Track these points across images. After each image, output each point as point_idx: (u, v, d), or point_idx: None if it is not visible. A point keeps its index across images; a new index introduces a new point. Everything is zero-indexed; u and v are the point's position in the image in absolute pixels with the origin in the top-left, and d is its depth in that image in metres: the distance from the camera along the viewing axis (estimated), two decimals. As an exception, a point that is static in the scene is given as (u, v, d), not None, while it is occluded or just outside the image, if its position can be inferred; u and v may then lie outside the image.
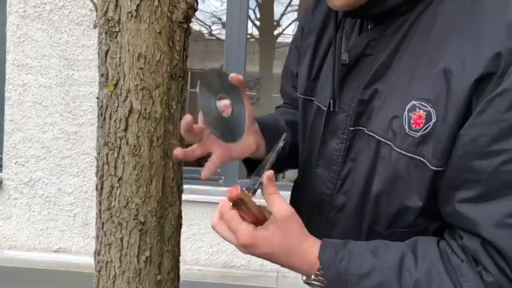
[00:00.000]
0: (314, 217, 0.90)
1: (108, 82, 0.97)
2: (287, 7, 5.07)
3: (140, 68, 0.94)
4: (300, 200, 0.98)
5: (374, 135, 0.76)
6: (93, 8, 1.04)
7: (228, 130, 0.78)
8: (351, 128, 0.82)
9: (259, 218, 0.75)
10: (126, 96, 0.95)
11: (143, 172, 0.96)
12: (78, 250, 3.30)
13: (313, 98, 0.95)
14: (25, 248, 3.53)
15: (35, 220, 3.52)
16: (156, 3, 0.93)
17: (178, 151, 0.85)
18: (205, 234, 3.39)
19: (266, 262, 2.68)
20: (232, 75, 0.79)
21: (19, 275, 3.35)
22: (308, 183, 0.93)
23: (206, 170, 0.76)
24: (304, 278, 0.76)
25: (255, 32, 5.48)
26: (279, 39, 5.27)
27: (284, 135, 0.82)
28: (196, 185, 3.33)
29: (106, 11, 0.96)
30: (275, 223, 0.73)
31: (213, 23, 5.36)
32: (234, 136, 0.80)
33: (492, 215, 0.63)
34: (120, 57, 0.94)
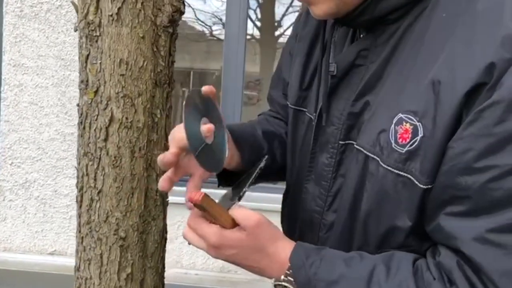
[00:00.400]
0: (305, 235, 0.85)
1: (88, 89, 0.91)
2: (288, 7, 5.02)
3: (122, 74, 0.89)
4: (291, 217, 0.93)
5: (362, 149, 0.72)
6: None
7: (211, 159, 0.73)
8: (341, 142, 0.77)
9: (228, 228, 0.71)
10: (107, 104, 0.90)
11: (124, 185, 0.91)
12: (74, 253, 3.25)
13: (305, 109, 0.90)
14: (20, 250, 3.48)
15: (30, 222, 3.47)
16: (139, 6, 0.88)
17: (163, 185, 0.78)
18: (202, 238, 3.34)
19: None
20: (204, 89, 0.73)
21: (13, 278, 3.30)
22: (299, 199, 0.87)
23: (190, 194, 0.70)
24: (273, 281, 0.71)
25: (256, 32, 5.43)
26: (280, 40, 5.22)
27: (265, 157, 0.79)
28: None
29: (87, 14, 0.91)
30: (246, 228, 0.70)
31: (214, 23, 5.32)
32: (218, 166, 0.74)
33: (473, 229, 0.59)
34: (100, 63, 0.89)
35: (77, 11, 0.97)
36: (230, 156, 0.84)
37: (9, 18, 3.37)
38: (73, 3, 0.97)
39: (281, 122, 1.03)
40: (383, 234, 0.69)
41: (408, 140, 0.65)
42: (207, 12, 5.00)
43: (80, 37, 0.93)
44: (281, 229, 0.98)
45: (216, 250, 0.71)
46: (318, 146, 0.82)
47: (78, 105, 0.97)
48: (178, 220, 3.24)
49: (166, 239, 1.03)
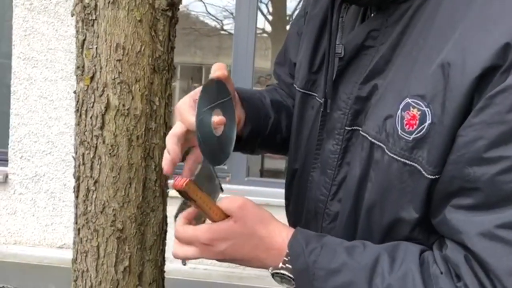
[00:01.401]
0: (310, 227, 0.81)
1: (84, 75, 0.88)
2: (299, 1, 4.97)
3: (118, 60, 0.86)
4: (296, 206, 0.89)
5: (367, 136, 0.68)
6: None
7: (215, 151, 0.69)
8: (347, 128, 0.73)
9: (216, 219, 0.66)
10: (103, 91, 0.86)
11: (121, 174, 0.88)
12: (82, 247, 3.24)
13: (314, 94, 0.85)
14: (30, 243, 3.49)
15: (40, 215, 3.47)
16: (136, -12, 0.85)
17: (167, 169, 0.71)
18: (211, 233, 3.32)
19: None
20: (216, 74, 0.69)
21: (23, 271, 3.31)
22: (304, 187, 0.84)
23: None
24: (271, 270, 0.67)
25: (267, 27, 5.39)
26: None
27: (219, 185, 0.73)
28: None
29: (83, -3, 0.88)
30: (232, 213, 0.66)
31: (225, 18, 5.28)
32: (220, 160, 0.70)
33: (480, 224, 0.56)
34: (96, 48, 0.86)
35: (73, -5, 0.94)
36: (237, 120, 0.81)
37: (19, 12, 3.37)
38: (69, -13, 0.94)
39: (289, 97, 0.99)
40: (388, 226, 0.66)
41: (415, 127, 0.60)
42: (218, 6, 4.97)
43: (77, 22, 0.90)
44: (287, 222, 0.94)
45: (210, 248, 0.66)
46: (325, 132, 0.78)
47: (75, 92, 0.94)
48: (186, 215, 3.22)
49: (166, 231, 0.99)
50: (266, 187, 3.14)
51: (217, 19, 5.24)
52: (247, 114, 0.84)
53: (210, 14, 5.08)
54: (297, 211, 0.87)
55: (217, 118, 0.68)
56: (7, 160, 3.47)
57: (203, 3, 4.65)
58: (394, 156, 0.63)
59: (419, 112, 0.60)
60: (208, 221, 0.67)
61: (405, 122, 0.62)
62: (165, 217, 0.98)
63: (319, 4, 0.87)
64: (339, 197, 0.75)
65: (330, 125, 0.77)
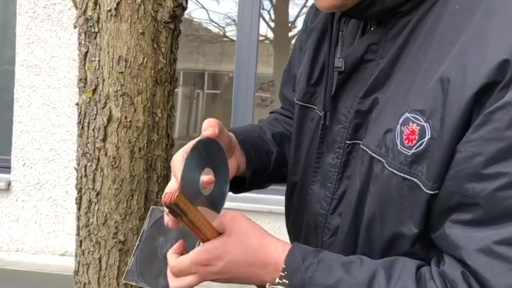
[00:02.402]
0: (310, 241, 0.81)
1: (87, 87, 0.88)
2: (302, 8, 4.98)
3: (121, 72, 0.86)
4: (296, 220, 0.89)
5: (367, 150, 0.67)
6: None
7: (204, 206, 0.67)
8: (347, 142, 0.73)
9: (209, 235, 0.64)
10: (105, 103, 0.86)
11: (124, 186, 0.88)
12: (84, 255, 3.23)
13: (313, 106, 0.85)
14: (32, 251, 3.49)
15: (42, 222, 3.47)
16: (138, 0, 0.85)
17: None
18: (214, 241, 3.32)
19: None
20: (206, 133, 0.69)
21: (25, 278, 3.31)
22: (304, 200, 0.83)
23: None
24: (268, 285, 0.65)
25: (270, 33, 5.40)
26: (294, 41, 5.19)
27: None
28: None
29: (85, 10, 0.88)
30: (224, 227, 0.65)
31: (227, 25, 5.30)
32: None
33: (479, 240, 0.55)
34: (99, 60, 0.86)
35: (76, 7, 0.94)
36: (235, 164, 0.81)
37: (22, 20, 3.38)
38: (72, -1, 0.94)
39: (292, 121, 1.00)
40: (388, 241, 0.65)
41: (414, 141, 0.60)
42: (221, 13, 4.98)
43: (79, 34, 0.90)
44: (287, 236, 0.94)
45: (208, 269, 0.65)
46: (325, 146, 0.77)
47: (77, 104, 0.94)
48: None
49: (167, 243, 0.99)
50: (269, 194, 3.14)
51: (219, 26, 5.26)
52: (248, 157, 0.84)
53: (212, 21, 5.09)
54: (297, 224, 0.87)
55: (205, 178, 0.66)
56: (9, 168, 3.48)
57: (206, 10, 4.67)
58: (394, 171, 0.62)
59: (418, 127, 0.60)
60: (199, 244, 0.66)
61: (404, 137, 0.62)
62: (167, 229, 0.98)
63: (318, 17, 0.88)
64: (340, 211, 0.74)
65: (330, 138, 0.77)
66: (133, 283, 0.72)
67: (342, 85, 0.74)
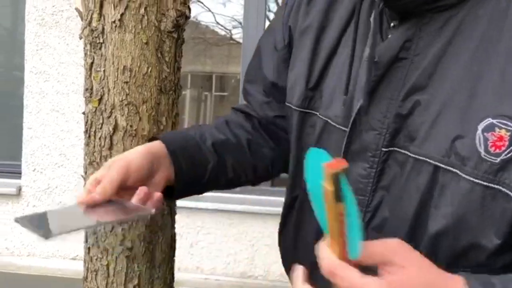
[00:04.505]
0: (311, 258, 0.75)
1: (93, 97, 0.90)
2: (308, 9, 4.95)
3: (125, 82, 0.87)
4: (297, 236, 0.82)
5: (428, 160, 0.62)
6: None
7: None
8: (384, 149, 0.67)
9: (337, 251, 0.52)
10: (111, 112, 0.88)
11: (130, 195, 0.89)
12: (95, 259, 3.26)
13: (314, 112, 0.79)
14: (43, 255, 3.52)
15: (53, 227, 3.51)
16: (142, 11, 0.86)
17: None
18: (222, 243, 3.32)
19: (284, 272, 2.56)
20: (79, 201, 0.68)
21: (37, 283, 3.34)
22: (306, 217, 0.78)
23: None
24: None
25: (276, 35, 5.38)
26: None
27: None
28: (214, 192, 3.26)
29: (90, 21, 0.90)
30: (396, 255, 0.53)
31: (234, 27, 5.31)
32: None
33: None
34: (104, 70, 0.88)
35: (81, 18, 0.96)
36: (163, 177, 0.77)
37: (31, 27, 3.42)
38: (77, 10, 0.96)
39: (249, 123, 0.91)
40: (461, 252, 0.61)
41: (503, 148, 0.57)
42: (227, 16, 5.00)
43: (85, 45, 0.92)
44: (279, 254, 0.87)
45: None
46: (351, 155, 0.70)
47: (83, 113, 0.95)
48: (198, 225, 3.23)
49: (174, 249, 1.00)
50: (277, 197, 3.14)
51: (225, 28, 5.27)
52: (178, 169, 0.78)
53: (219, 24, 5.10)
54: (300, 240, 0.81)
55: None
56: (20, 173, 3.52)
57: (212, 13, 4.68)
58: (474, 180, 0.59)
59: (508, 133, 0.57)
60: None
61: (489, 144, 0.58)
62: (173, 235, 0.99)
63: (311, 16, 0.82)
64: (376, 225, 0.68)
65: (358, 146, 0.70)
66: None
67: (373, 87, 0.68)
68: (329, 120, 0.75)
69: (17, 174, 3.52)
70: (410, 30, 0.66)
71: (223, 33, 5.24)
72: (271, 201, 3.18)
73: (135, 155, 0.73)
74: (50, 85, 3.40)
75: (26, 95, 3.44)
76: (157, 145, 0.77)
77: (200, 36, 4.87)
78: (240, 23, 5.04)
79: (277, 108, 0.89)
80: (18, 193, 3.50)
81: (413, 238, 0.63)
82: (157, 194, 0.71)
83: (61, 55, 3.38)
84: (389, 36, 0.68)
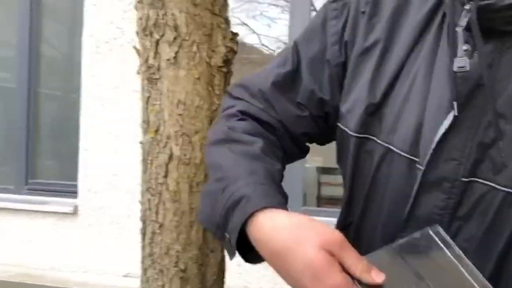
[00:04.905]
0: None
1: (149, 128, 0.98)
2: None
3: (180, 114, 0.94)
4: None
5: None
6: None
7: None
8: (463, 179, 0.65)
9: None
10: (166, 143, 0.95)
11: (184, 218, 0.96)
12: (146, 276, 3.36)
13: (372, 137, 0.73)
14: (98, 272, 3.67)
15: (106, 245, 3.65)
16: (194, 49, 0.94)
17: None
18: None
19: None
20: None
21: (92, 299, 3.47)
22: (368, 243, 0.73)
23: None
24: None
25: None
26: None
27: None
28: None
29: (147, 59, 0.98)
30: None
31: (278, 48, 5.38)
32: None
33: None
34: (160, 104, 0.95)
35: (139, 56, 1.04)
36: None
37: (87, 53, 3.63)
38: (135, 48, 1.04)
39: (274, 135, 0.80)
40: None
41: None
42: (272, 36, 5.08)
43: (142, 80, 1.00)
44: None
45: None
46: (426, 185, 0.67)
47: (141, 142, 1.03)
48: (245, 245, 3.28)
49: (224, 270, 1.05)
50: (324, 217, 3.13)
51: (270, 49, 5.35)
52: None
53: (264, 45, 5.19)
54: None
55: None
56: (76, 193, 3.70)
57: (257, 35, 4.78)
58: None
59: None
60: None
61: None
62: (223, 258, 1.05)
63: (374, 34, 0.76)
64: None
65: (435, 177, 0.67)
66: None
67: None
68: (391, 147, 0.70)
69: (73, 193, 3.71)
70: (493, 53, 0.62)
71: (268, 53, 5.33)
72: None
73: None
74: (105, 109, 3.58)
75: (82, 118, 3.64)
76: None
77: (246, 57, 4.97)
78: (285, 43, 5.11)
79: (308, 124, 0.81)
80: (75, 212, 3.67)
81: (498, 274, 0.62)
82: None
83: (115, 81, 3.56)
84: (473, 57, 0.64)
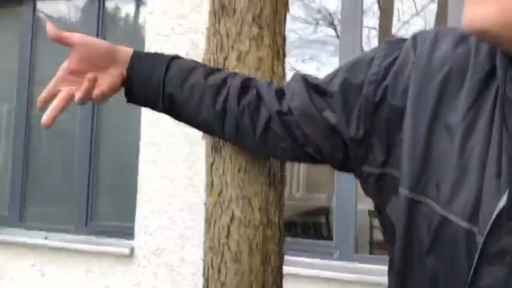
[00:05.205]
0: None
1: (213, 191, 1.05)
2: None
3: (241, 178, 1.02)
4: None
5: None
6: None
7: None
8: None
9: None
10: (228, 205, 1.02)
11: (244, 278, 1.01)
12: (198, 320, 3.41)
13: (429, 204, 0.69)
14: (151, 314, 3.75)
15: (160, 287, 3.74)
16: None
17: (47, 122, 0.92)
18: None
19: None
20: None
21: None
22: None
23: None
24: None
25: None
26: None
27: None
28: (302, 257, 3.28)
29: (212, 127, 1.07)
30: None
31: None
32: None
33: None
34: (223, 169, 1.03)
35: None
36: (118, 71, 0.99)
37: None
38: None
39: (267, 104, 0.90)
40: None
41: None
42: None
43: (206, 147, 1.08)
44: None
45: None
46: (487, 258, 0.65)
47: (205, 204, 1.11)
48: (296, 291, 3.27)
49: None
50: (377, 265, 3.09)
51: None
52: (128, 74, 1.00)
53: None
54: None
55: None
56: (133, 234, 3.84)
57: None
58: None
59: None
60: None
61: None
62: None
63: (432, 82, 0.71)
64: None
65: (496, 250, 0.64)
66: None
67: None
68: (449, 217, 0.67)
69: (130, 235, 3.85)
70: None
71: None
72: (369, 270, 3.14)
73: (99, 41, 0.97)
74: (161, 155, 3.75)
75: (140, 164, 3.81)
76: (125, 54, 0.99)
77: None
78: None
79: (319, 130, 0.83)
80: (131, 253, 3.80)
81: None
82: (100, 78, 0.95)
83: (171, 128, 3.73)
84: None
